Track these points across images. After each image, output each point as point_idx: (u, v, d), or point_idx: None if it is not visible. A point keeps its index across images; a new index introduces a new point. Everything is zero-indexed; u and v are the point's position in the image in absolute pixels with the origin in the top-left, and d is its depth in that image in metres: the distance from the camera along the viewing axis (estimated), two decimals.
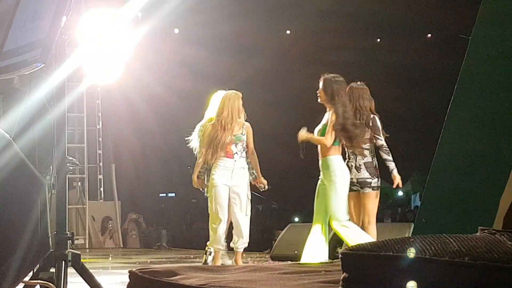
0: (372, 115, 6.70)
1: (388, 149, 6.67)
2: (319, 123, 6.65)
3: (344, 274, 1.66)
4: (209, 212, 7.12)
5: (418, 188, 20.95)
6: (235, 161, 7.10)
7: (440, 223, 3.24)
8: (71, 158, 3.45)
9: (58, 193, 3.39)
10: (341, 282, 1.67)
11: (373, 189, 6.63)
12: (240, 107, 7.18)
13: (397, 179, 6.74)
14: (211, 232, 7.07)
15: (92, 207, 15.34)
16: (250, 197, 7.19)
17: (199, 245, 13.05)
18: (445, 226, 3.16)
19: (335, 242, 9.84)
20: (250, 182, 7.30)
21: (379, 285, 1.57)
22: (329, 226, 6.47)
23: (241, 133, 7.16)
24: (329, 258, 6.53)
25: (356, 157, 6.68)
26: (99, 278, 3.45)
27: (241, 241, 7.09)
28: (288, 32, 17.39)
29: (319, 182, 6.54)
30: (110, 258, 11.54)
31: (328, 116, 6.50)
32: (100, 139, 15.88)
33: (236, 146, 7.12)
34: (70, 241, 3.36)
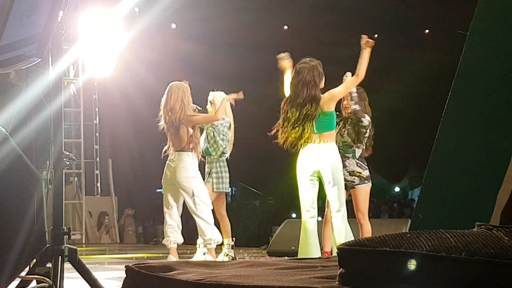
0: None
1: None
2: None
3: (341, 269, 1.65)
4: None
5: (416, 184, 20.98)
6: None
7: (437, 218, 3.24)
8: (67, 153, 3.43)
9: (55, 188, 3.38)
10: (337, 277, 1.67)
11: None
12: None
13: None
14: None
15: (88, 202, 15.31)
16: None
17: (195, 241, 13.01)
18: (442, 222, 3.16)
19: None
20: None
21: (375, 280, 1.57)
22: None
23: None
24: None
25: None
26: (96, 273, 3.44)
27: None
28: (285, 27, 17.37)
29: None
30: (107, 253, 11.52)
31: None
32: (97, 134, 15.85)
33: None
34: (67, 236, 3.35)
